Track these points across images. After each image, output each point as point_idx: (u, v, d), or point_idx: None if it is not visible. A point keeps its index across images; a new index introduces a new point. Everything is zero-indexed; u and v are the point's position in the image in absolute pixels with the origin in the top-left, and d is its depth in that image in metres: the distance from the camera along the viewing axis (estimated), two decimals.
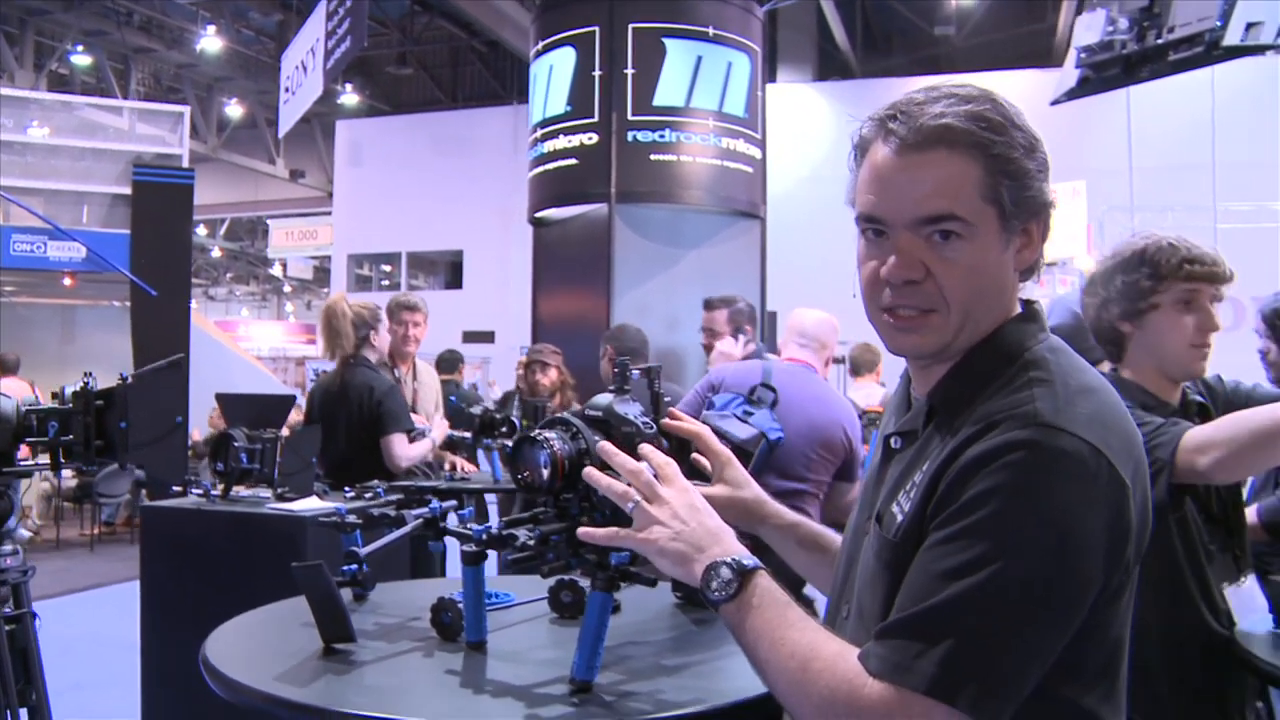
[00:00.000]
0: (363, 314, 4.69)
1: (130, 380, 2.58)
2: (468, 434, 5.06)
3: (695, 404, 3.78)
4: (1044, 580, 1.06)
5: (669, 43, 6.72)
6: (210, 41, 20.60)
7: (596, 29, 6.75)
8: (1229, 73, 8.95)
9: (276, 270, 29.69)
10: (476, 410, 5.11)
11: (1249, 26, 5.35)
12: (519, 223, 20.17)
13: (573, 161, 6.87)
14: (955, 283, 1.19)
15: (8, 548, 2.65)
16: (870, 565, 1.24)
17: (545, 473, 1.77)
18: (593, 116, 6.79)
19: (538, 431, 1.82)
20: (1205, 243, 2.27)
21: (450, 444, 5.33)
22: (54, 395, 2.66)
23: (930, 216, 1.17)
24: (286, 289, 33.06)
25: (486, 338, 18.86)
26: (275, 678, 1.73)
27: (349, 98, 22.32)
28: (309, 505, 3.86)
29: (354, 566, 2.00)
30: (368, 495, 4.02)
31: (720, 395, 3.51)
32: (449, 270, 22.68)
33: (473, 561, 1.86)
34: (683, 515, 1.32)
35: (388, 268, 23.87)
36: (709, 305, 4.41)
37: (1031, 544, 1.06)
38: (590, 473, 1.44)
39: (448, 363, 8.93)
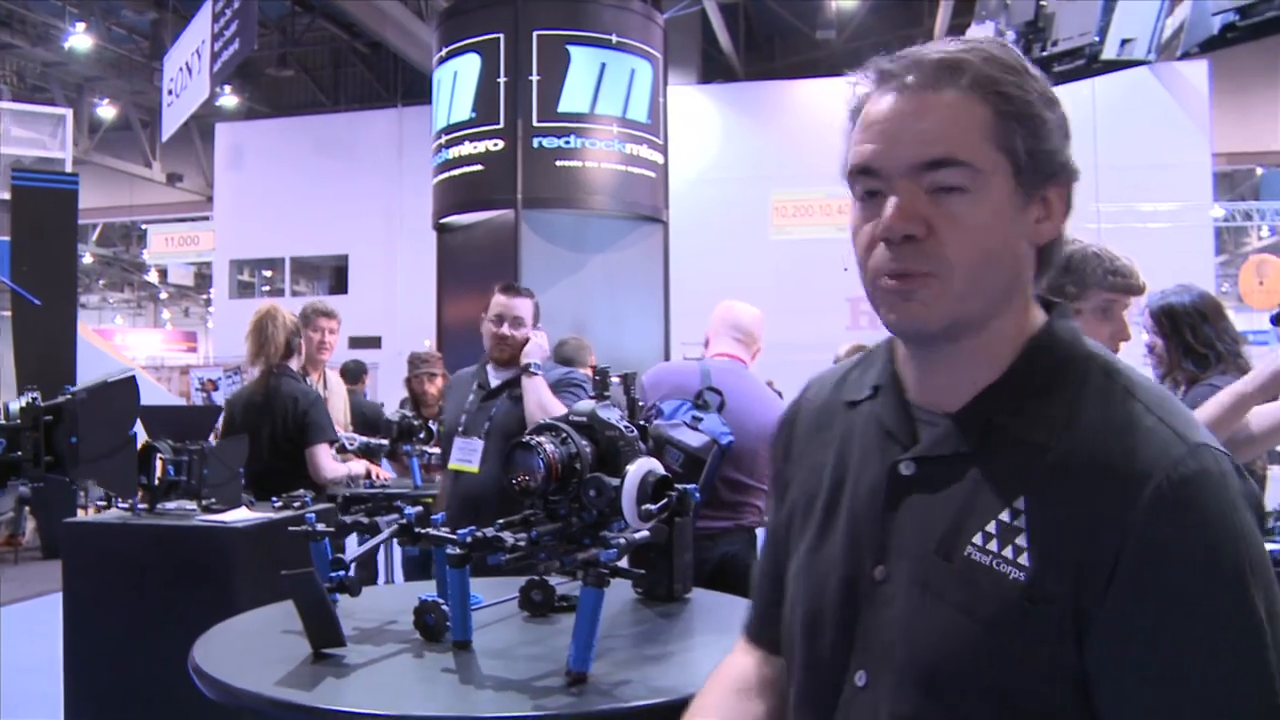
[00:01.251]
0: (295, 323, 4.67)
1: (80, 395, 2.57)
2: (385, 440, 5.08)
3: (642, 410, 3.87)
4: None
5: (573, 50, 6.81)
6: (79, 39, 19.94)
7: (501, 36, 6.80)
8: (1108, 82, 9.40)
9: (153, 277, 28.86)
10: (394, 417, 5.14)
11: (1124, 42, 5.69)
12: (407, 226, 20.11)
13: (478, 168, 6.90)
14: (960, 242, 1.01)
15: None
16: (953, 629, 1.01)
17: (540, 476, 1.88)
18: (498, 123, 6.84)
19: (529, 437, 1.93)
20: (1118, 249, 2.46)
21: (367, 451, 5.33)
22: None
23: (931, 160, 1.01)
24: (163, 296, 32.15)
25: (373, 343, 18.67)
26: (276, 682, 1.79)
27: (228, 99, 21.82)
28: (239, 516, 3.84)
29: (341, 573, 2.05)
30: (296, 505, 4.05)
31: (667, 402, 3.59)
32: (333, 275, 22.38)
33: (458, 564, 1.94)
34: None
35: (269, 273, 23.42)
36: (512, 290, 3.88)
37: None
38: None
39: (352, 373, 8.89)
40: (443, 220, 7.41)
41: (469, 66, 6.99)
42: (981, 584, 0.98)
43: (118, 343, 24.66)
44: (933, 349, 1.07)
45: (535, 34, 6.74)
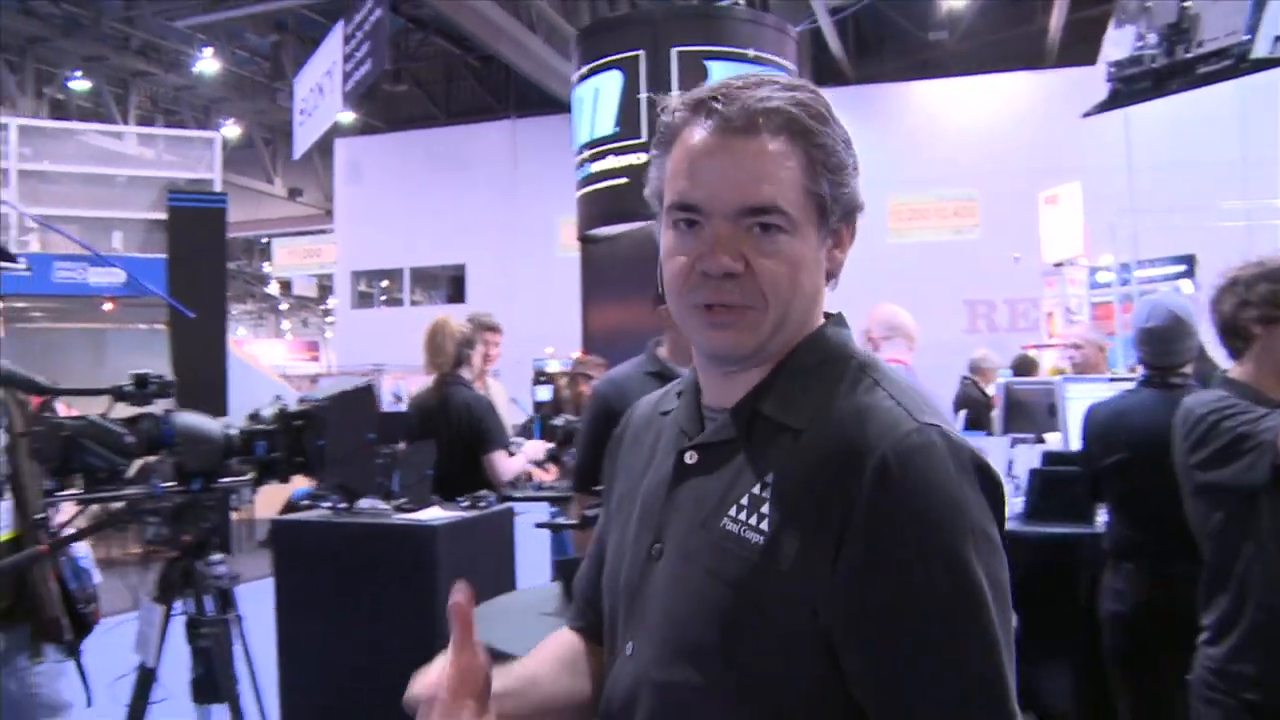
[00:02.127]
0: (466, 334, 4.92)
1: (324, 402, 2.84)
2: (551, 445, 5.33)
3: None
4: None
5: (711, 65, 6.98)
6: (207, 64, 20.77)
7: (642, 53, 7.01)
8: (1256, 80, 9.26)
9: (273, 288, 29.82)
10: (559, 423, 5.37)
11: (1277, 39, 5.65)
12: (522, 235, 20.55)
13: (623, 181, 7.12)
14: (776, 278, 1.09)
15: (217, 556, 2.89)
16: (702, 591, 1.10)
17: None
18: (640, 137, 7.05)
19: None
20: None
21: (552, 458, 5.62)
22: (251, 417, 2.91)
23: (754, 207, 1.08)
24: (283, 307, 33.19)
25: None
26: None
27: (345, 115, 22.48)
28: (433, 515, 4.10)
29: None
30: (481, 505, 4.31)
31: None
32: (450, 284, 22.89)
33: None
34: None
35: (385, 283, 24.07)
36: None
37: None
38: None
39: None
40: (588, 232, 7.65)
41: (611, 83, 7.21)
42: (729, 549, 1.08)
43: (247, 352, 25.52)
44: (741, 367, 1.16)
45: (674, 50, 6.94)
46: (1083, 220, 13.12)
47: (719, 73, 7.01)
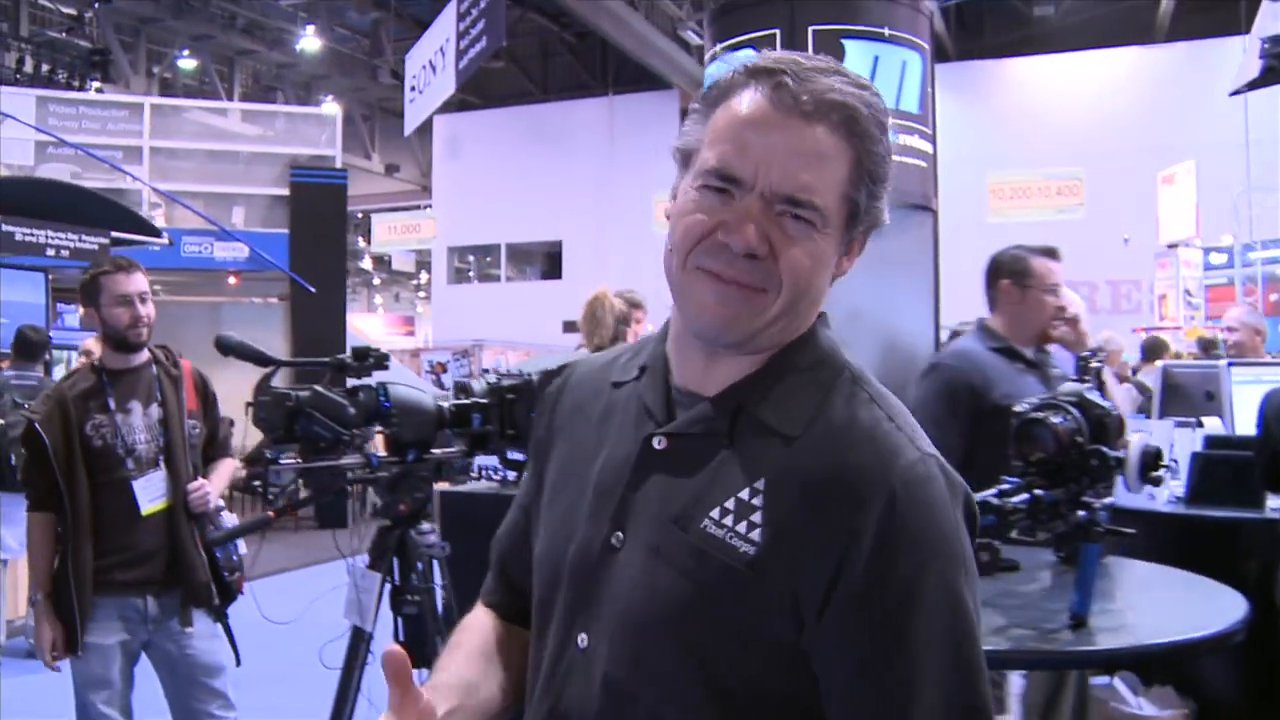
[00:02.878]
0: (623, 308, 4.99)
1: (531, 376, 2.91)
2: None
3: None
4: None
5: (848, 44, 6.92)
6: (309, 41, 21.13)
7: (778, 31, 6.97)
8: None
9: (366, 263, 30.26)
10: None
11: None
12: (619, 211, 20.61)
13: None
14: (793, 271, 1.06)
15: (427, 526, 2.99)
16: (673, 593, 1.07)
17: (1052, 447, 2.12)
18: None
19: (1039, 413, 2.17)
20: None
21: None
22: (462, 389, 3.00)
23: (795, 198, 1.05)
24: (376, 282, 33.71)
25: None
26: None
27: None
28: None
29: None
30: None
31: None
32: (545, 261, 23.06)
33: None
34: None
35: (484, 259, 24.29)
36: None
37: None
38: None
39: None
40: None
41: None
42: (711, 554, 1.05)
43: (356, 326, 25.92)
44: (725, 350, 1.11)
45: (811, 29, 6.89)
46: (1195, 200, 12.83)
47: (855, 52, 6.97)
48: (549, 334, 18.96)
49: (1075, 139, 17.70)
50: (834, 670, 1.03)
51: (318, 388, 2.80)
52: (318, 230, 10.28)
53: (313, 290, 9.85)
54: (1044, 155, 17.83)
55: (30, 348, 6.57)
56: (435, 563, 2.99)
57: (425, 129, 23.19)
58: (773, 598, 1.03)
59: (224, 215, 10.76)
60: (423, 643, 2.94)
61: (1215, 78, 12.95)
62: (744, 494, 1.06)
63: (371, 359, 2.86)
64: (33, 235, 7.38)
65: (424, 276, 28.69)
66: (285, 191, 10.39)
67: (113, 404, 3.44)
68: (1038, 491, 2.13)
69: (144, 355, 3.57)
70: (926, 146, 7.24)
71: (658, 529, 1.09)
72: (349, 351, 2.87)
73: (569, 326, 19.93)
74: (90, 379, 3.52)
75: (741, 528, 1.05)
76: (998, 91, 18.34)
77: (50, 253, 7.46)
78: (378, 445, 3.12)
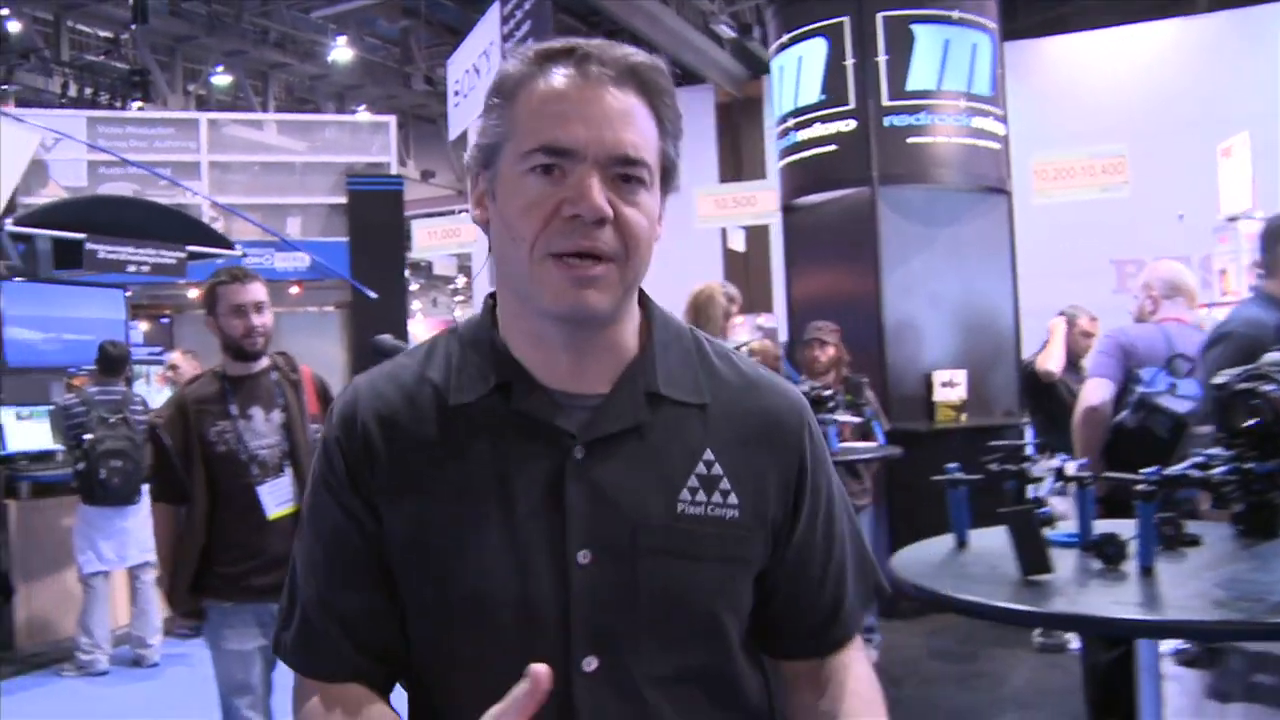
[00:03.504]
0: (726, 303, 4.98)
1: None
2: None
3: (1114, 368, 3.98)
4: None
5: (917, 28, 6.91)
6: (341, 52, 21.22)
7: (846, 19, 6.97)
8: None
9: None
10: (804, 388, 5.42)
11: None
12: (668, 211, 20.48)
13: (831, 149, 7.09)
14: (638, 229, 1.09)
15: None
16: (690, 577, 1.11)
17: (1270, 416, 2.13)
18: (848, 104, 7.02)
19: (1248, 384, 2.17)
20: None
21: None
22: None
23: (628, 156, 1.08)
24: (413, 287, 33.81)
25: None
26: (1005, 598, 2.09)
27: None
28: None
29: (1047, 509, 2.35)
30: None
31: (1145, 369, 3.73)
32: None
33: (1149, 499, 2.17)
34: None
35: None
36: None
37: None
38: None
39: None
40: (792, 201, 7.67)
41: (815, 50, 7.17)
42: (703, 531, 1.11)
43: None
44: (592, 333, 1.13)
45: (880, 16, 6.89)
46: (1250, 172, 12.66)
47: (925, 36, 6.97)
48: None
49: (1117, 116, 17.52)
50: (805, 566, 1.23)
51: None
52: (376, 237, 10.33)
53: (374, 296, 9.89)
54: (1086, 134, 17.62)
55: (112, 363, 6.66)
56: None
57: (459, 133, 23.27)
58: (760, 538, 1.17)
59: (279, 226, 10.84)
60: None
61: (1260, 46, 12.81)
62: (700, 469, 1.13)
63: None
64: (115, 252, 7.46)
65: (461, 280, 28.68)
66: (342, 200, 10.45)
67: (234, 410, 3.49)
68: (1248, 465, 2.13)
69: (264, 362, 3.62)
70: (999, 128, 7.25)
71: (631, 533, 1.10)
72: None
73: None
74: (212, 385, 3.59)
75: (717, 498, 1.12)
76: (1036, 72, 18.17)
77: (131, 269, 7.55)
78: None
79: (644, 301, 1.21)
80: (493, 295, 1.22)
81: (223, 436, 3.48)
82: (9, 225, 7.25)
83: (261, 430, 3.51)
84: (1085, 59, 18.37)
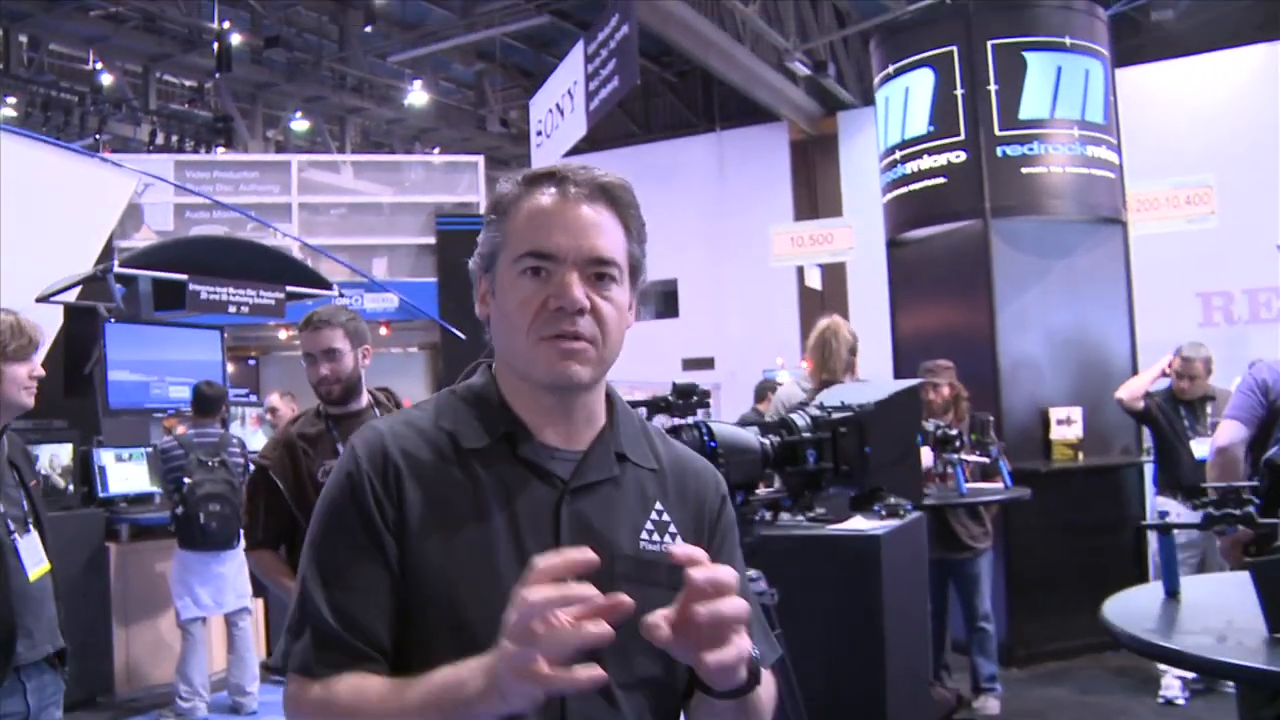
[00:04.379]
0: (853, 339, 4.82)
1: (868, 407, 2.76)
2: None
3: (1250, 407, 3.83)
4: None
5: (1029, 56, 6.75)
6: (416, 96, 21.48)
7: (954, 49, 6.83)
8: None
9: None
10: (929, 426, 5.24)
11: None
12: (734, 246, 20.51)
13: (940, 181, 6.94)
14: (610, 318, 1.35)
15: (754, 573, 2.84)
16: (649, 603, 1.18)
17: None
18: (958, 135, 6.86)
19: None
20: None
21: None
22: (783, 426, 2.85)
23: (600, 258, 1.34)
24: None
25: (707, 364, 19.08)
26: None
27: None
28: (855, 525, 4.00)
29: None
30: (900, 513, 4.19)
31: None
32: (660, 300, 23.02)
33: None
34: None
35: None
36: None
37: None
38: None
39: (758, 392, 9.49)
40: (899, 235, 7.51)
41: (922, 81, 7.03)
42: (659, 564, 1.35)
43: None
44: (574, 398, 1.40)
45: (990, 44, 6.74)
46: None
47: (1036, 64, 6.80)
48: (669, 372, 18.85)
49: (1202, 145, 17.14)
50: None
51: None
52: (465, 277, 10.25)
53: (463, 338, 9.86)
54: (1171, 165, 17.33)
55: (208, 403, 6.57)
56: (765, 611, 2.83)
57: None
58: None
59: (366, 267, 10.86)
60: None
61: None
62: (654, 516, 1.42)
63: (695, 396, 2.74)
64: (215, 293, 7.47)
65: None
66: (430, 240, 10.43)
67: (341, 448, 3.40)
68: None
69: (364, 400, 3.60)
70: (1113, 157, 7.03)
71: (607, 558, 1.24)
72: (671, 388, 2.76)
73: (689, 364, 19.85)
74: (317, 424, 3.56)
75: (667, 539, 1.41)
76: (1120, 102, 17.90)
77: (231, 309, 7.55)
78: None
79: (607, 388, 1.48)
80: (489, 365, 1.48)
81: None
82: (116, 267, 7.28)
83: None
84: (1168, 88, 18.02)
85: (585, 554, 1.11)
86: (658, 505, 1.42)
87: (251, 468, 4.77)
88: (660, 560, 1.35)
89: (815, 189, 20.58)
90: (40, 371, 2.85)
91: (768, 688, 1.43)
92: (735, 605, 1.15)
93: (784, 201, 20.45)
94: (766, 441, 2.82)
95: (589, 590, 1.09)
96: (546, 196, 1.37)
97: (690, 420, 2.74)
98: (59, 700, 2.87)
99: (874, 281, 11.99)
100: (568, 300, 1.31)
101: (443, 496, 1.36)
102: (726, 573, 1.15)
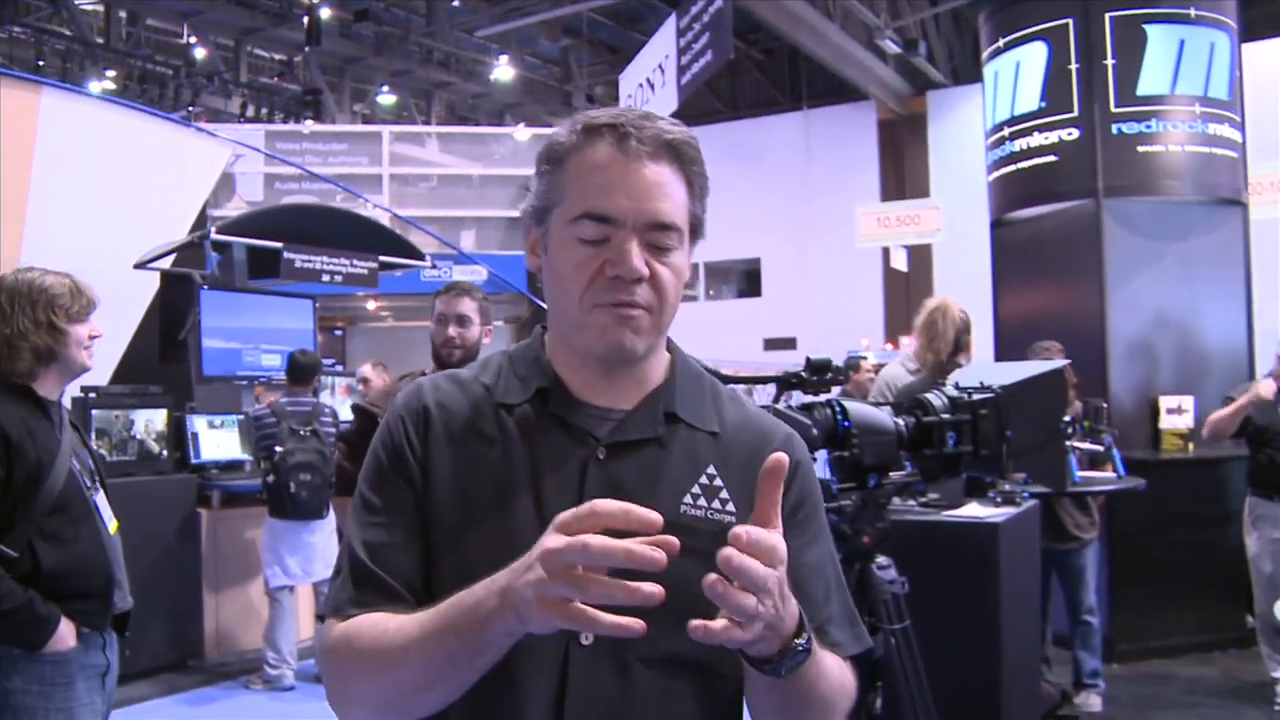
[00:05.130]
0: (964, 317, 4.63)
1: (1010, 388, 2.61)
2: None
3: None
4: None
5: (1150, 28, 6.47)
6: (503, 71, 21.49)
7: (1071, 21, 6.59)
8: None
9: None
10: None
11: None
12: (820, 226, 20.26)
13: (1051, 159, 6.69)
14: (667, 287, 1.27)
15: (884, 559, 2.71)
16: (682, 570, 1.08)
17: None
18: (1072, 111, 6.61)
19: None
20: None
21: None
22: (918, 406, 2.71)
23: (661, 223, 1.24)
24: None
25: (789, 344, 18.87)
26: None
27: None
28: (971, 512, 3.85)
29: None
30: (1017, 500, 4.04)
31: None
32: (742, 278, 22.84)
33: None
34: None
35: None
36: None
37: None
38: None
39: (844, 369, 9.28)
40: (1004, 215, 7.28)
41: (1034, 55, 6.79)
42: (700, 530, 1.25)
43: None
44: (625, 368, 1.32)
45: (1109, 16, 6.48)
46: None
47: (1158, 37, 6.52)
48: (750, 351, 18.68)
49: None
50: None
51: (777, 405, 2.57)
52: None
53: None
54: None
55: (302, 372, 6.55)
56: (895, 601, 2.70)
57: None
58: None
59: (455, 239, 10.85)
60: (896, 691, 2.67)
61: None
62: (704, 480, 1.31)
63: (830, 373, 2.61)
64: (310, 262, 7.48)
65: None
66: (518, 214, 10.38)
67: None
68: None
69: None
70: (1236, 136, 6.73)
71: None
72: (804, 363, 2.63)
73: (770, 344, 19.67)
74: None
75: (716, 504, 1.30)
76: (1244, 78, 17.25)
77: (325, 279, 7.56)
78: None
79: (671, 347, 1.41)
80: (543, 327, 1.41)
81: None
82: (213, 234, 7.31)
83: None
84: None
85: (627, 510, 1.05)
86: (710, 469, 1.32)
87: (353, 419, 4.79)
88: (701, 525, 1.28)
89: (903, 169, 20.25)
90: (99, 331, 2.81)
91: (834, 677, 1.31)
92: (744, 562, 1.05)
93: (870, 182, 20.15)
94: (901, 422, 2.68)
95: (653, 553, 1.02)
96: (606, 151, 1.26)
97: (823, 398, 2.62)
98: (117, 666, 2.85)
99: (962, 263, 11.70)
100: (626, 269, 1.23)
101: (470, 449, 1.34)
102: (763, 536, 1.06)
